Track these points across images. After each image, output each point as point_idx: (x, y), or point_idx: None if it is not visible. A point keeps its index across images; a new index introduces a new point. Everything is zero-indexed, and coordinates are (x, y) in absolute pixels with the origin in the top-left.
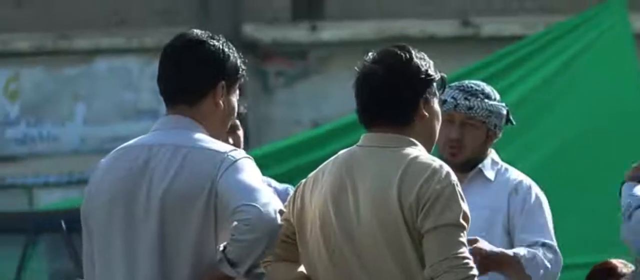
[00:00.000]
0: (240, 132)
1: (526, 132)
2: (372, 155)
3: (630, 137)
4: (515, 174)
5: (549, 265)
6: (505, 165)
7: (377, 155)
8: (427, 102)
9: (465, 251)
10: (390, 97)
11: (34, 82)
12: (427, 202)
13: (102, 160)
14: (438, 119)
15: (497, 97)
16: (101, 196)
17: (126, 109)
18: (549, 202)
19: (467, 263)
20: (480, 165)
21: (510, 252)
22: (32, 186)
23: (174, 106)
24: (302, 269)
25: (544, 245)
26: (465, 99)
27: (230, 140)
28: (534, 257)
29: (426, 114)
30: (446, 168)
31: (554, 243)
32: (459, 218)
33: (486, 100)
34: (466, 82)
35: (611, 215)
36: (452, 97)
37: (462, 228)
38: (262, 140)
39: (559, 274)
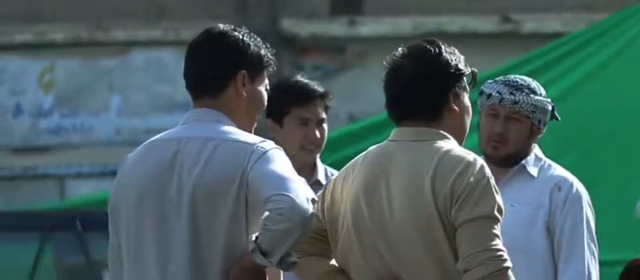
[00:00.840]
0: (325, 126)
1: (566, 128)
2: (404, 149)
3: None
4: (559, 171)
5: None
6: (548, 161)
7: (409, 149)
8: (457, 97)
9: (499, 243)
10: (420, 91)
11: (69, 73)
12: (462, 194)
13: (129, 154)
14: (468, 114)
15: (543, 92)
16: (130, 190)
17: (161, 101)
18: (590, 197)
19: (501, 255)
20: (523, 161)
21: None
22: (64, 176)
23: (200, 99)
24: (333, 262)
25: None
26: (511, 93)
27: (317, 134)
28: None
29: (456, 108)
30: (480, 161)
31: (589, 259)
32: (493, 211)
33: (531, 95)
34: (512, 76)
35: None
36: (498, 92)
37: (496, 221)
38: None
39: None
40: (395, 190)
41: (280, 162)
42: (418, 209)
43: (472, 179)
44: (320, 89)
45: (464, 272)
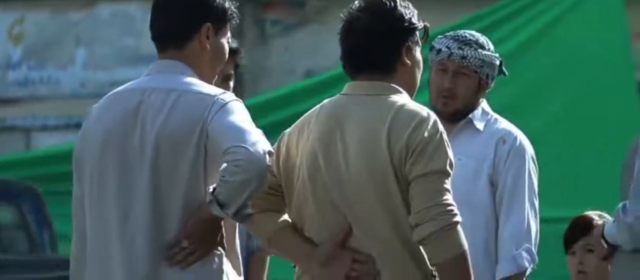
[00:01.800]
0: (232, 83)
1: (515, 84)
2: (359, 103)
3: (620, 92)
4: (505, 124)
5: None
6: (495, 115)
7: (364, 102)
8: (410, 51)
9: (449, 198)
10: (374, 45)
11: (38, 25)
12: (416, 149)
13: (94, 105)
14: (419, 68)
15: (491, 47)
16: (94, 140)
17: (127, 54)
18: (536, 154)
19: (451, 210)
20: (470, 115)
21: None
22: (30, 129)
23: (164, 51)
24: (286, 217)
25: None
26: (459, 48)
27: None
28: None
29: (408, 62)
30: (433, 116)
31: (529, 213)
32: (446, 165)
33: (480, 50)
34: (461, 32)
35: (594, 171)
36: (446, 47)
37: (448, 175)
38: (257, 89)
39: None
40: (351, 144)
41: (240, 114)
42: (373, 162)
43: (426, 134)
44: (233, 45)
45: (415, 226)
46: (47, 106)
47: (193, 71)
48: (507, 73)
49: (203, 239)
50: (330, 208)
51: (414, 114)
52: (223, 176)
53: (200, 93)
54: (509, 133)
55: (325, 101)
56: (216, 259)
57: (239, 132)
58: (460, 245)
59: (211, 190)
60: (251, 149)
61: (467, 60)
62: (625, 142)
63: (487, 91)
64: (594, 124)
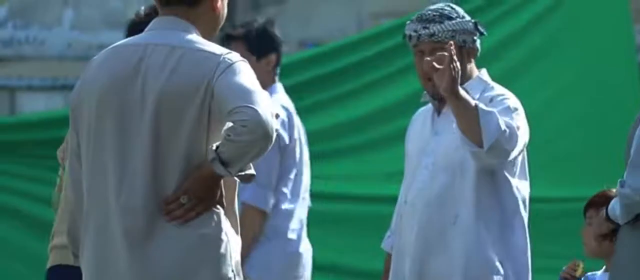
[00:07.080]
0: None
1: (522, 75)
2: None
3: (622, 71)
4: (498, 90)
5: (503, 128)
6: (493, 84)
7: None
8: None
9: None
10: None
11: None
12: None
13: (95, 56)
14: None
15: (460, 13)
16: (93, 92)
17: (114, 17)
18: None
19: None
20: (465, 85)
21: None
22: (15, 89)
23: (170, 6)
24: None
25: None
26: (424, 27)
27: None
28: (492, 113)
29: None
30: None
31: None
32: None
33: (446, 22)
34: (425, 9)
35: (596, 150)
36: (413, 31)
37: None
38: None
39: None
40: None
41: (246, 75)
42: None
43: None
44: None
45: None
46: (33, 66)
47: (195, 29)
48: (485, 32)
49: (202, 196)
50: None
51: None
52: (229, 135)
53: (206, 51)
54: (497, 95)
55: None
56: (215, 217)
57: (246, 93)
58: None
59: (214, 148)
60: (259, 110)
61: (436, 37)
62: (627, 119)
63: (476, 54)
64: (596, 102)
